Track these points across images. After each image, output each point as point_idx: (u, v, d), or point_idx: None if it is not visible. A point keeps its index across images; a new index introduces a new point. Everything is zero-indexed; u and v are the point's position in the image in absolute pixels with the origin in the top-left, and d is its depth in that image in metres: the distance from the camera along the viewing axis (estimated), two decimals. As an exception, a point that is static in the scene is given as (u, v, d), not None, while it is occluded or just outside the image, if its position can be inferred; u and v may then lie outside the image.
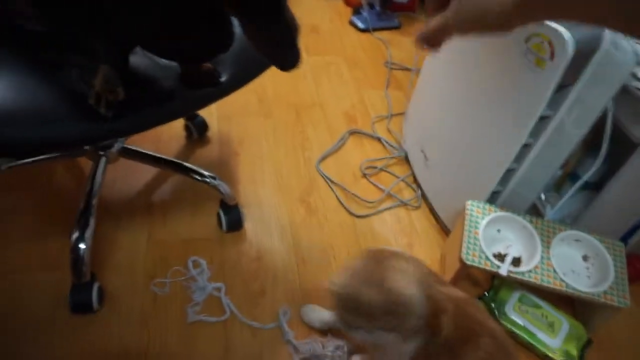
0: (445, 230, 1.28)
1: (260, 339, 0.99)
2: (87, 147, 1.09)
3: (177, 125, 1.41)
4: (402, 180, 1.40)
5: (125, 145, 1.13)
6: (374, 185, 1.38)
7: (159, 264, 1.08)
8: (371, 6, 2.08)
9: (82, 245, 0.95)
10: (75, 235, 0.96)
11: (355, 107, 1.62)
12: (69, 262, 0.95)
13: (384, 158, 1.46)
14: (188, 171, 1.16)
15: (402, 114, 1.60)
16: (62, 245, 1.02)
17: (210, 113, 1.47)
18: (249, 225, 1.20)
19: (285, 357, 0.97)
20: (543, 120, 0.98)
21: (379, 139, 1.52)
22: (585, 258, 1.12)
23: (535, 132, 1.00)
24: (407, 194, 1.38)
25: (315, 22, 2.03)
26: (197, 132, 1.38)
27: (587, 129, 1.02)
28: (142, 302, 1.01)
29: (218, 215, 1.16)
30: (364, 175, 1.40)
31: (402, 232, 1.27)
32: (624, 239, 1.24)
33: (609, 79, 0.93)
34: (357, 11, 2.09)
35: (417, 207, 1.35)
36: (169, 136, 1.39)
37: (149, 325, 0.98)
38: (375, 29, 2.02)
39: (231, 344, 0.98)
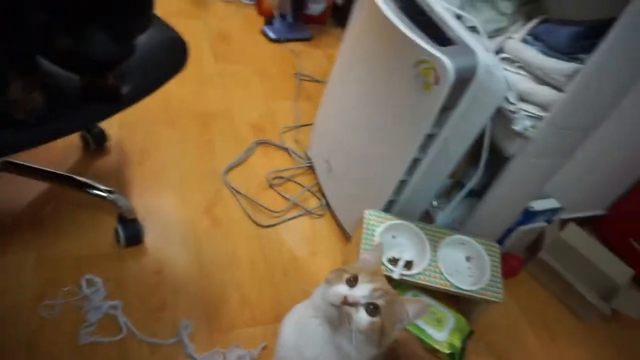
0: (346, 237, 1.35)
1: (160, 355, 0.97)
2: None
3: (73, 136, 1.32)
4: (308, 190, 1.45)
5: (9, 159, 1.04)
6: (280, 195, 1.41)
7: (48, 285, 1.01)
8: (283, 17, 2.11)
9: (-46, 269, 0.87)
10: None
11: (264, 117, 1.65)
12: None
13: (290, 168, 1.50)
14: (82, 186, 1.10)
15: (310, 124, 1.64)
16: None
17: (110, 122, 1.38)
18: (149, 237, 1.17)
19: (186, 373, 0.97)
20: (430, 137, 1.08)
21: (286, 150, 1.55)
22: (468, 259, 1.24)
23: (424, 148, 1.10)
24: (312, 203, 1.43)
25: (225, 29, 2.02)
26: (95, 142, 1.31)
27: (469, 145, 1.14)
28: (27, 325, 0.94)
29: (116, 230, 1.12)
30: (271, 186, 1.42)
31: (306, 240, 1.32)
32: (501, 240, 1.39)
33: (486, 102, 1.05)
34: (269, 21, 2.11)
35: (321, 216, 1.40)
36: (63, 148, 1.30)
37: (36, 349, 0.92)
38: (286, 40, 2.06)
39: (128, 364, 0.95)
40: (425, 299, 1.20)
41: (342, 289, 0.65)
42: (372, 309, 0.63)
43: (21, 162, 1.07)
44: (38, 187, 1.18)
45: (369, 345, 0.65)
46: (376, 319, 0.63)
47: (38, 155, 1.24)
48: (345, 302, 0.63)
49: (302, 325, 0.70)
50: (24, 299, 0.98)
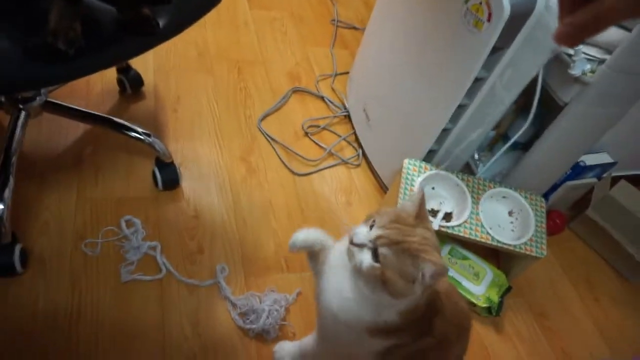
0: (383, 188, 1.31)
1: (197, 296, 0.99)
2: (2, 100, 1.01)
3: (110, 80, 1.32)
4: (344, 139, 1.41)
5: (49, 99, 1.05)
6: (316, 143, 1.37)
7: (89, 224, 1.03)
8: (318, -40, 2.01)
9: None
10: (-7, 194, 0.90)
11: (300, 64, 1.59)
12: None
13: (326, 117, 1.46)
14: (120, 127, 1.10)
15: (347, 73, 1.59)
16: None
17: (146, 67, 1.38)
18: (186, 183, 1.17)
19: (223, 313, 0.98)
20: (478, 81, 1.01)
21: (322, 98, 1.51)
22: (510, 213, 1.19)
23: (471, 93, 1.03)
24: (348, 153, 1.39)
25: (259, -27, 1.94)
26: (131, 86, 1.30)
27: (519, 92, 1.06)
28: (71, 263, 0.97)
29: (153, 173, 1.12)
30: (306, 134, 1.39)
31: (342, 190, 1.29)
32: (546, 195, 1.33)
33: (541, 44, 0.96)
34: (303, -36, 2.01)
35: (358, 166, 1.37)
36: (100, 91, 1.30)
37: (80, 285, 0.95)
38: (322, -16, 1.96)
39: (167, 302, 0.97)
40: (464, 253, 1.17)
41: (359, 229, 0.66)
42: (377, 255, 0.63)
43: (62, 103, 1.07)
44: (78, 129, 1.19)
45: (374, 289, 0.64)
46: (376, 265, 0.63)
47: (77, 100, 1.25)
48: (351, 241, 0.65)
49: (332, 253, 0.74)
50: (66, 237, 1.01)
